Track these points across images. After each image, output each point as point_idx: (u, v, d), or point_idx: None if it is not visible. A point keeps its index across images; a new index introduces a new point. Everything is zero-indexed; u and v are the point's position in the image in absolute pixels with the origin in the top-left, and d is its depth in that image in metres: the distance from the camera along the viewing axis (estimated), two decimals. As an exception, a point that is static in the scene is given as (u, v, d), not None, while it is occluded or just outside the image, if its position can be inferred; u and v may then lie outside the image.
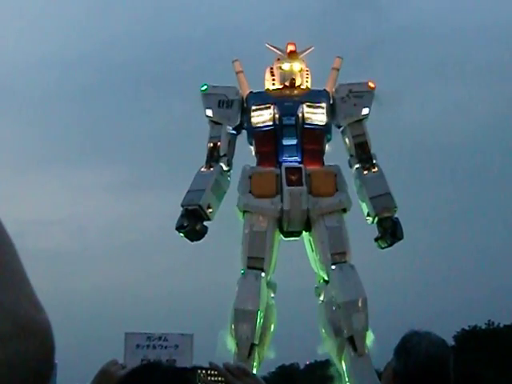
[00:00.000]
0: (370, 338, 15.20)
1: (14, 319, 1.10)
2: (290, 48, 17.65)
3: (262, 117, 16.96)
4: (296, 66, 17.44)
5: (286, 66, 17.42)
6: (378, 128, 18.14)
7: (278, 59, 17.61)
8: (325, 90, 17.49)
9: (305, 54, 17.89)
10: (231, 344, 15.29)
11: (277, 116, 16.76)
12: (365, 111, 17.22)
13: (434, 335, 2.97)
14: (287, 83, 17.20)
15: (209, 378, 2.51)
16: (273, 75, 17.52)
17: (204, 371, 2.52)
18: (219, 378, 2.51)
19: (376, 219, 16.25)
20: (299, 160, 16.63)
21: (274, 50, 17.89)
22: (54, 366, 1.18)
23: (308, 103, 16.95)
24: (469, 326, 51.80)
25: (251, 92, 17.51)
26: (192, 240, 16.44)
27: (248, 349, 15.09)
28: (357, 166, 16.92)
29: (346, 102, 17.20)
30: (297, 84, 17.25)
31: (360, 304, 15.20)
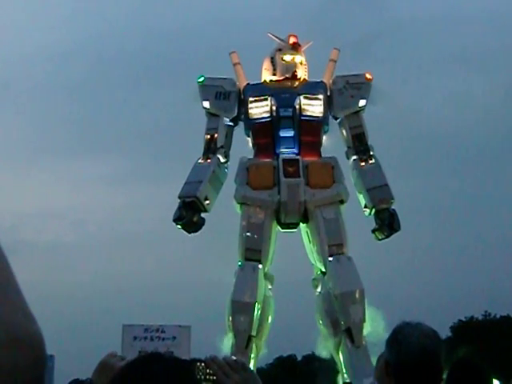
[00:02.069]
0: (367, 328, 15.24)
1: (7, 330, 1.13)
2: (293, 40, 17.54)
3: (259, 109, 16.94)
4: (298, 58, 17.40)
5: (288, 58, 17.33)
6: (376, 119, 18.11)
7: (280, 50, 17.49)
8: (322, 81, 17.46)
9: (306, 47, 17.82)
10: (229, 336, 15.34)
11: (274, 108, 16.74)
12: (362, 103, 17.20)
13: (426, 326, 2.99)
14: (289, 75, 17.14)
15: (207, 370, 2.53)
16: (273, 65, 17.47)
17: (203, 364, 2.54)
18: (217, 371, 2.53)
19: (373, 211, 16.27)
20: (296, 152, 16.62)
21: (277, 39, 17.76)
22: (44, 375, 1.20)
23: (305, 95, 16.92)
24: (465, 317, 51.88)
25: (248, 84, 17.47)
26: (189, 232, 16.47)
27: (245, 340, 15.14)
28: (354, 157, 16.92)
29: (343, 94, 17.18)
30: (298, 76, 17.22)
31: (357, 295, 15.25)
